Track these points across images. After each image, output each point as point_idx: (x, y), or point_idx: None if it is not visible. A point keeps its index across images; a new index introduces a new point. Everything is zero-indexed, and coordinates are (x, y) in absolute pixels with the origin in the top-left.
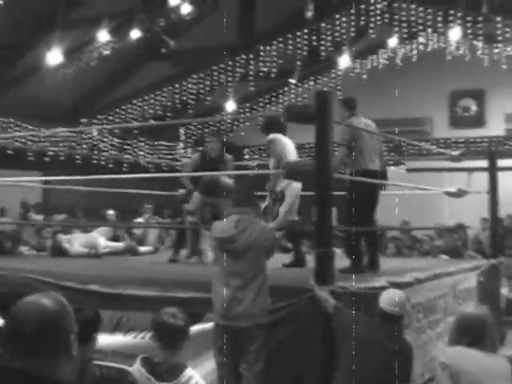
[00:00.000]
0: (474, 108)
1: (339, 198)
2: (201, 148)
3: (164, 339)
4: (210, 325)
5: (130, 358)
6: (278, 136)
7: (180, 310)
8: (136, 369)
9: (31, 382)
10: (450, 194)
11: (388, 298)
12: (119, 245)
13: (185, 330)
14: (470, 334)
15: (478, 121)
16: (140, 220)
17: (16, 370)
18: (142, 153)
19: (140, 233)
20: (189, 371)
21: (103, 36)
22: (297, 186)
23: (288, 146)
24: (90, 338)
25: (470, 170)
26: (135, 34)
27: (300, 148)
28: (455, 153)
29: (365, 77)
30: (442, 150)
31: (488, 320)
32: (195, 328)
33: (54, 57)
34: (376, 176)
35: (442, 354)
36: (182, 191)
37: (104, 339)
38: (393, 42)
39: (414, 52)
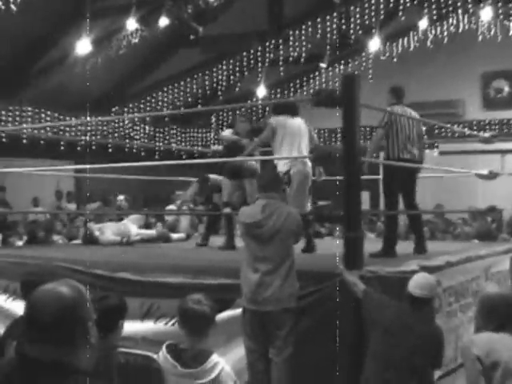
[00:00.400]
0: (506, 89)
1: (373, 182)
2: (231, 129)
3: (189, 326)
4: (239, 311)
5: (160, 345)
6: (277, 118)
7: (206, 297)
8: (161, 355)
9: (49, 369)
10: (481, 177)
11: (417, 282)
12: (151, 232)
13: (210, 317)
14: (497, 316)
15: (511, 102)
16: (171, 207)
17: (34, 358)
18: (173, 140)
19: (171, 220)
20: (214, 357)
21: (132, 24)
22: (302, 167)
23: (289, 128)
24: (116, 325)
25: (503, 153)
26: (163, 21)
27: (332, 132)
28: (487, 135)
29: (395, 60)
30: (474, 133)
31: None
32: (225, 314)
33: (84, 46)
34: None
35: (471, 343)
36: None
37: (134, 326)
38: (423, 23)
39: (445, 34)
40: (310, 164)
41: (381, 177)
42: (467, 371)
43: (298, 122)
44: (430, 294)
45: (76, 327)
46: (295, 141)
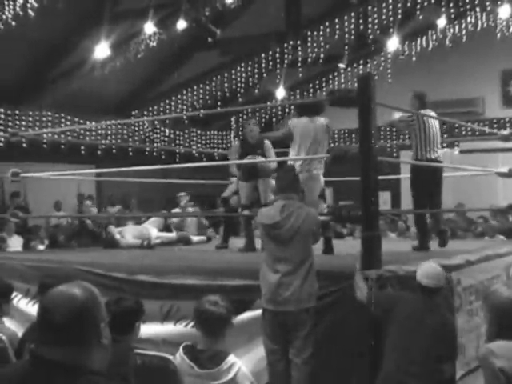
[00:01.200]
0: None
1: (394, 182)
2: (241, 134)
3: (206, 327)
4: (259, 312)
5: None
6: (295, 120)
7: (222, 298)
8: (178, 356)
9: (62, 370)
10: (501, 175)
11: (424, 272)
12: (171, 235)
13: (227, 318)
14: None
15: None
16: (176, 210)
17: (47, 360)
18: (193, 143)
19: (177, 220)
20: (231, 358)
21: (150, 28)
22: (308, 169)
23: (303, 129)
24: (132, 327)
25: None
26: (181, 24)
27: (352, 133)
28: (506, 132)
29: (414, 59)
30: (493, 131)
31: None
32: (245, 315)
33: (102, 50)
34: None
35: (491, 354)
36: (232, 180)
37: (155, 329)
38: (441, 22)
39: (464, 32)
40: (319, 166)
41: (409, 177)
42: (488, 382)
43: (315, 125)
44: (437, 283)
45: (88, 328)
46: (306, 142)
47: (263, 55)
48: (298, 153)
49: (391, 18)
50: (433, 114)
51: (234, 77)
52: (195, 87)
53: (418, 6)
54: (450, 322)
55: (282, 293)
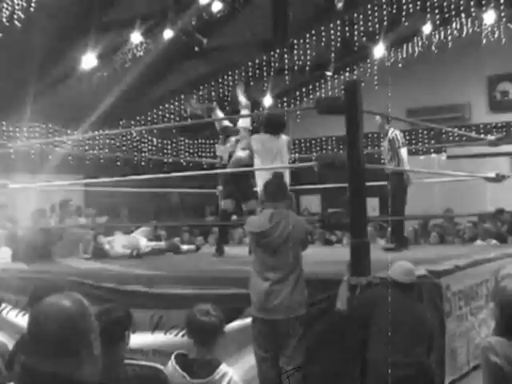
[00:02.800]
0: None
1: (382, 188)
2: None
3: (197, 336)
4: (249, 320)
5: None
6: (254, 136)
7: (214, 307)
8: (170, 366)
9: (53, 382)
10: (489, 180)
11: (398, 270)
12: (161, 244)
13: (218, 327)
14: None
15: None
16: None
17: (37, 371)
18: (181, 152)
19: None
20: (223, 367)
21: (136, 38)
22: None
23: (265, 144)
24: (122, 337)
25: (511, 155)
26: (168, 34)
27: (340, 140)
28: (493, 137)
29: (400, 65)
30: (480, 136)
31: None
32: (235, 324)
33: (89, 61)
34: None
35: (489, 349)
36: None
37: (145, 339)
38: (427, 28)
39: (449, 38)
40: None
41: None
42: (485, 376)
43: (278, 141)
44: (411, 278)
45: (78, 339)
46: (269, 157)
47: (250, 64)
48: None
49: (377, 25)
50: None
51: (220, 85)
52: (183, 96)
53: (404, 13)
54: (424, 315)
55: (272, 301)
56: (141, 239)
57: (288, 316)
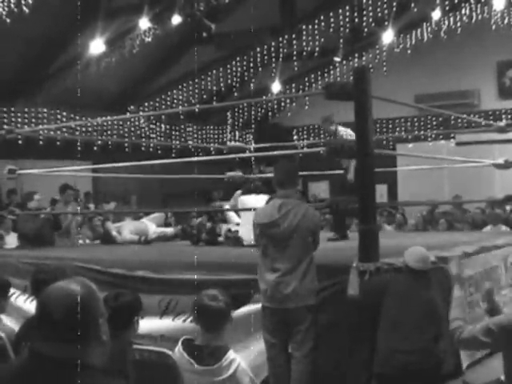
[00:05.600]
0: None
1: (390, 174)
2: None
3: (205, 322)
4: (258, 306)
5: None
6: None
7: (221, 292)
8: (177, 352)
9: (61, 366)
10: (497, 166)
11: (412, 255)
12: (169, 230)
13: (225, 312)
14: None
15: None
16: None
17: (46, 356)
18: (189, 138)
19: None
20: (231, 354)
21: (144, 23)
22: None
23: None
24: (131, 322)
25: None
26: (176, 19)
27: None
28: (502, 124)
29: (409, 52)
30: (489, 122)
31: None
32: (244, 309)
33: (97, 46)
34: None
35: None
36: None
37: (153, 324)
38: (436, 14)
39: (458, 24)
40: None
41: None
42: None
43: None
44: (424, 265)
45: (87, 324)
46: None
47: (258, 49)
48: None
49: (386, 11)
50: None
51: (229, 71)
52: (191, 82)
53: None
54: (434, 302)
55: (282, 290)
56: (150, 225)
57: (298, 305)
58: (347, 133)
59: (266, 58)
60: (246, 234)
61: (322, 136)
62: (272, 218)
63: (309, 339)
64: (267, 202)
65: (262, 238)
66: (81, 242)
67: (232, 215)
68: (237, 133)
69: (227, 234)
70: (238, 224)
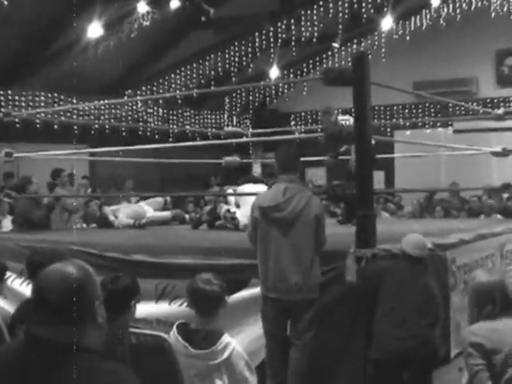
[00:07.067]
0: None
1: (387, 161)
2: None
3: (199, 306)
4: (255, 291)
5: None
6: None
7: (215, 276)
8: (172, 336)
9: (57, 349)
10: (495, 154)
11: (410, 242)
12: (166, 213)
13: (220, 296)
14: (493, 303)
15: None
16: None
17: (42, 338)
18: (187, 122)
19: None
20: (225, 338)
21: (142, 7)
22: None
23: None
24: (128, 305)
25: None
26: (174, 3)
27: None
28: (500, 111)
29: (408, 38)
30: (487, 110)
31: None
32: (241, 294)
33: (95, 30)
34: None
35: (470, 334)
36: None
37: (149, 308)
38: (435, 1)
39: (457, 11)
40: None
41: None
42: (467, 365)
43: None
44: (421, 252)
45: (83, 307)
46: None
47: (257, 34)
48: None
49: None
50: None
51: (227, 56)
52: (188, 67)
53: None
54: (431, 289)
55: (284, 281)
56: (147, 209)
57: (300, 297)
58: (350, 121)
59: (264, 43)
60: (245, 217)
61: (319, 122)
62: (276, 202)
63: (310, 328)
64: (269, 187)
65: (262, 222)
66: (78, 226)
67: (233, 199)
68: (234, 118)
69: (225, 214)
70: (238, 206)
